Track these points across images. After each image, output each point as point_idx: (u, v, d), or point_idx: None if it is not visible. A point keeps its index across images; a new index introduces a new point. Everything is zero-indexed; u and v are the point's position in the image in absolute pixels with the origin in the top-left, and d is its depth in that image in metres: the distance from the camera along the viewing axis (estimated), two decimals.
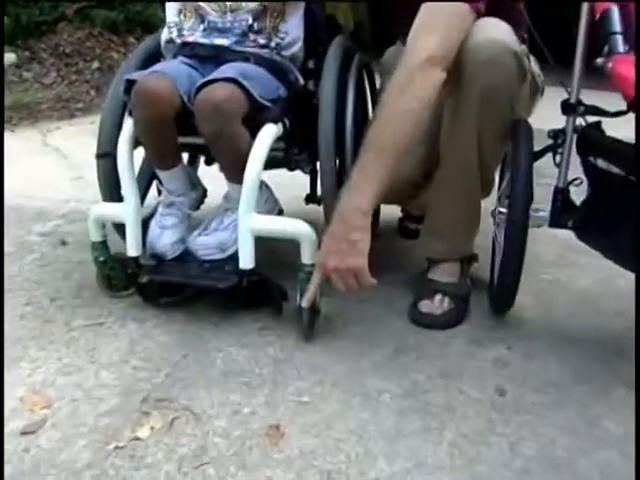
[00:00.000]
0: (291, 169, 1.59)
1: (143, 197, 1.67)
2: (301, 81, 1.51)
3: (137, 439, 1.06)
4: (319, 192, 1.79)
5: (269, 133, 1.34)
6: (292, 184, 1.81)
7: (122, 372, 1.25)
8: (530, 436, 1.08)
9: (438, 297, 1.46)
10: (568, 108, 1.35)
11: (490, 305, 1.50)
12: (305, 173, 1.67)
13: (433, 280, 1.50)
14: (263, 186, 1.50)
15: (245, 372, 1.25)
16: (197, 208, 1.60)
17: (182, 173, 1.49)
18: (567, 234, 1.87)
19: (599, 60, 1.14)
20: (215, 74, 1.35)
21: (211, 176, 1.67)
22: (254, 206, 1.33)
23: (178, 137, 1.48)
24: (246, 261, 1.35)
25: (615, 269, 1.29)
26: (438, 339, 1.38)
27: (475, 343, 1.37)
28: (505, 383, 1.23)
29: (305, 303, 1.32)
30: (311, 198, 1.84)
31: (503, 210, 1.47)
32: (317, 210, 1.59)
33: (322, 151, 1.41)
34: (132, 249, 1.45)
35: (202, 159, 1.79)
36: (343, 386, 1.21)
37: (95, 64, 4.37)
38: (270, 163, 1.43)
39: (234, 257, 1.43)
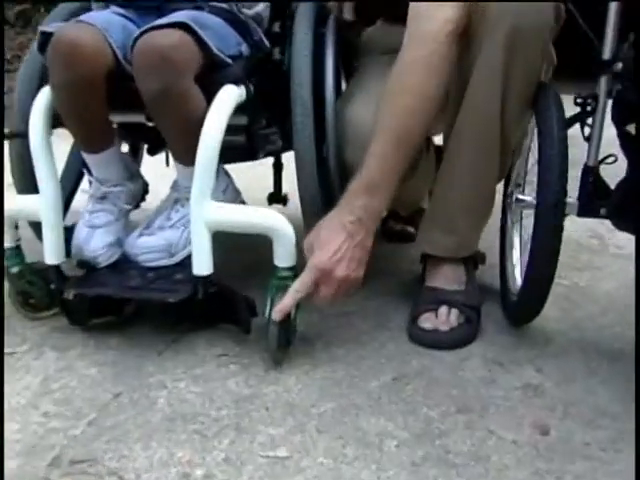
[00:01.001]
0: (254, 155, 1.27)
1: (73, 193, 1.35)
2: (267, 44, 1.21)
3: None
4: (284, 189, 1.53)
5: (229, 95, 1.03)
6: (251, 186, 1.50)
7: (28, 421, 0.91)
8: None
9: (443, 309, 1.16)
10: (601, 66, 1.08)
11: (508, 316, 1.21)
12: (272, 155, 1.35)
13: (436, 288, 1.20)
14: (221, 172, 1.18)
15: (198, 416, 0.93)
16: (137, 206, 1.28)
17: (116, 157, 1.17)
18: (577, 232, 1.64)
19: None
20: (160, 21, 1.04)
21: (156, 173, 1.35)
22: (210, 192, 1.01)
23: (112, 114, 1.16)
24: (201, 266, 1.03)
25: None
26: (448, 362, 1.08)
27: (496, 365, 1.07)
28: (545, 417, 0.93)
29: (277, 315, 1.01)
30: (275, 197, 1.54)
31: (523, 197, 1.19)
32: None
33: (297, 125, 1.11)
34: (51, 255, 1.12)
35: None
36: (331, 431, 0.90)
37: None
38: (228, 154, 1.13)
39: (186, 263, 1.11)
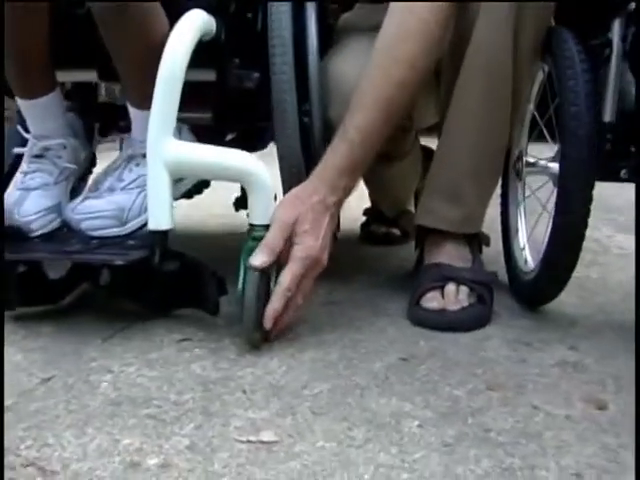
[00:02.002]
0: (225, 96, 1.06)
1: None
2: None
3: None
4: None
5: (196, 18, 0.85)
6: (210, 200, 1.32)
7: None
8: None
9: (451, 287, 0.98)
10: (613, 7, 0.96)
11: (523, 298, 1.04)
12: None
13: (440, 264, 1.01)
14: (184, 130, 1.00)
15: (152, 400, 0.70)
16: (82, 179, 1.07)
17: (56, 106, 0.97)
18: None
19: None
20: None
21: None
22: (172, 128, 0.82)
23: (60, 72, 0.99)
24: (159, 218, 0.82)
25: None
26: (463, 343, 0.88)
27: (521, 345, 0.88)
28: (596, 393, 0.74)
29: (268, 323, 0.82)
30: (243, 202, 1.35)
31: (537, 160, 1.04)
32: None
33: (276, 67, 0.94)
34: None
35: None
36: (331, 413, 0.68)
37: None
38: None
39: (140, 235, 0.91)
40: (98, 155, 1.17)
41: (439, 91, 1.08)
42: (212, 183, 1.18)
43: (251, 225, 0.85)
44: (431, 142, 1.30)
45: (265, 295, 0.84)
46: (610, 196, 1.63)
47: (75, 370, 0.77)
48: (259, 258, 0.82)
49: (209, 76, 1.01)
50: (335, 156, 0.91)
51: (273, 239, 0.83)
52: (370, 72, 0.93)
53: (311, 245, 0.85)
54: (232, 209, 1.14)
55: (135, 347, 0.85)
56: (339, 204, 0.92)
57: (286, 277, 0.83)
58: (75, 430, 0.63)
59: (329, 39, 1.23)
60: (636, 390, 0.71)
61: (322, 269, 0.87)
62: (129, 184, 0.94)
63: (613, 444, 0.62)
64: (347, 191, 0.92)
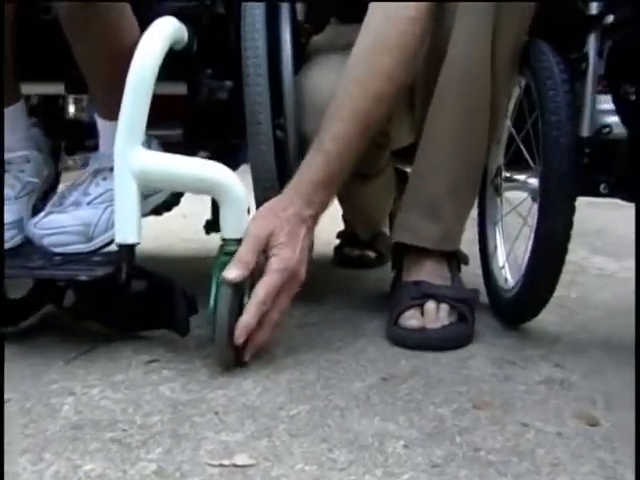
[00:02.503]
0: (196, 107, 1.02)
1: None
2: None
3: None
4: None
5: (168, 24, 0.82)
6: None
7: None
8: None
9: (431, 304, 0.94)
10: (589, 22, 0.96)
11: (503, 315, 1.02)
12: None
13: (419, 282, 0.98)
14: (154, 144, 0.97)
15: (116, 423, 0.65)
16: (44, 197, 1.02)
17: (20, 118, 0.93)
18: None
19: None
20: None
21: None
22: (141, 137, 0.78)
23: (26, 85, 0.95)
24: (126, 231, 0.78)
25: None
26: (445, 362, 0.85)
27: (505, 363, 0.85)
28: (586, 409, 0.71)
29: (239, 338, 0.77)
30: (213, 226, 1.30)
31: (517, 176, 1.02)
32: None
33: (249, 75, 0.91)
34: None
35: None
36: (310, 435, 0.64)
37: None
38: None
39: (106, 252, 0.87)
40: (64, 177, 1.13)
41: (414, 111, 1.07)
42: (183, 209, 1.14)
43: (223, 239, 0.81)
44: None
45: (238, 312, 0.79)
46: (584, 220, 1.63)
47: (34, 393, 0.71)
48: (232, 272, 0.77)
49: (180, 89, 0.98)
50: (311, 168, 0.88)
51: (246, 253, 0.79)
52: (347, 84, 0.91)
53: (288, 257, 0.81)
54: (202, 234, 1.11)
55: (99, 369, 0.79)
56: (315, 218, 0.88)
57: (261, 289, 0.79)
58: (31, 456, 0.58)
59: (302, 58, 1.22)
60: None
61: (300, 284, 0.83)
62: (96, 199, 0.90)
63: (609, 460, 0.59)
64: (323, 205, 0.89)
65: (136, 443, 0.61)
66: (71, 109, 1.19)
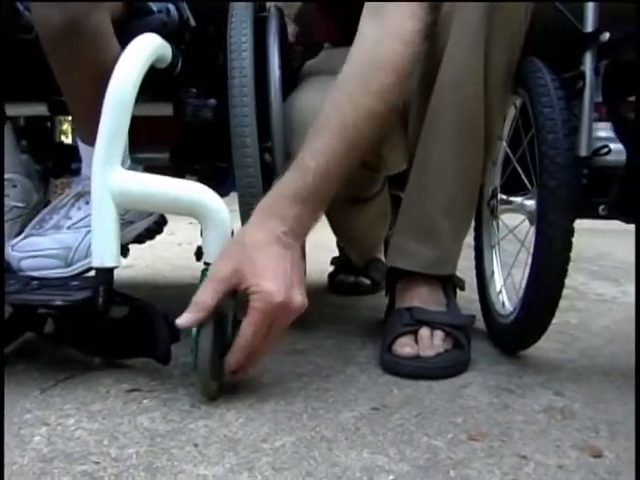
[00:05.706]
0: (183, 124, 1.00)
1: None
2: (192, 21, 0.99)
3: None
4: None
5: (150, 41, 0.80)
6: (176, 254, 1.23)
7: None
8: None
9: (425, 331, 0.91)
10: (586, 40, 0.94)
11: (501, 343, 0.98)
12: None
13: (412, 308, 0.94)
14: (139, 169, 0.94)
15: (90, 456, 0.61)
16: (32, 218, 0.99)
17: (8, 141, 0.91)
18: None
19: None
20: None
21: None
22: (120, 157, 0.75)
23: (9, 106, 0.93)
24: (103, 254, 0.75)
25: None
26: (440, 391, 0.81)
27: (503, 391, 0.81)
28: (589, 440, 0.67)
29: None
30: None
31: (513, 198, 1.00)
32: None
33: (234, 96, 0.89)
34: None
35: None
36: (294, 468, 0.60)
37: None
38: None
39: (84, 277, 0.84)
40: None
41: (407, 136, 1.05)
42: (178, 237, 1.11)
43: (205, 263, 0.78)
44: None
45: (221, 338, 0.76)
46: (580, 247, 1.61)
47: (5, 423, 0.67)
48: (185, 317, 0.72)
49: (166, 110, 0.96)
50: (283, 184, 0.81)
51: (204, 297, 0.73)
52: (336, 99, 0.87)
53: (269, 291, 0.73)
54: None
55: (77, 398, 0.75)
56: (294, 234, 0.79)
57: (247, 331, 0.73)
58: None
59: (293, 82, 1.20)
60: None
61: (298, 309, 0.76)
62: (77, 222, 0.87)
63: None
64: (301, 221, 0.79)
65: (108, 477, 0.57)
66: (59, 132, 1.17)
